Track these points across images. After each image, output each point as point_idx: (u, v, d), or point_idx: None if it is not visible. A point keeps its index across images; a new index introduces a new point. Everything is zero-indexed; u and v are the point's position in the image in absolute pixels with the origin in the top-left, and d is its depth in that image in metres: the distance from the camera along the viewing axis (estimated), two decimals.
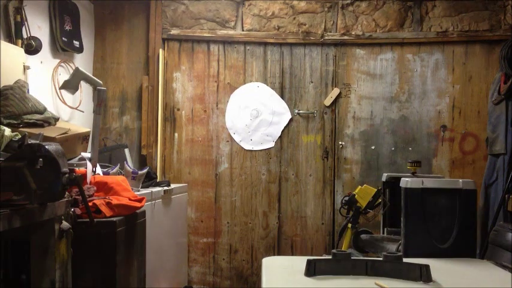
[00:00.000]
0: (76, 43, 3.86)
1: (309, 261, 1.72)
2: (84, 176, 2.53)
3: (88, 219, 2.12)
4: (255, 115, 4.38)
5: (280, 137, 4.37)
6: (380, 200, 3.35)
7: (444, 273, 1.80)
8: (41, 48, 3.36)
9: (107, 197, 2.47)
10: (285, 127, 4.37)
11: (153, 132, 4.30)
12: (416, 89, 4.31)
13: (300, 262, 1.78)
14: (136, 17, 4.37)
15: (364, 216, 3.44)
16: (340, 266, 1.75)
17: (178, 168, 4.38)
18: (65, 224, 1.98)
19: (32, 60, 3.28)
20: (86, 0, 4.18)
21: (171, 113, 4.39)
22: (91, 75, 3.16)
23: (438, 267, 1.83)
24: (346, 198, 3.45)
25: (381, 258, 1.77)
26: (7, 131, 2.36)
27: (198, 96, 4.40)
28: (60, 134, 2.80)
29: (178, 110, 4.40)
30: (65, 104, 3.72)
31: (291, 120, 4.37)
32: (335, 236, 4.25)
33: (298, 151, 4.37)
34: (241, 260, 4.38)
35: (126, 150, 4.07)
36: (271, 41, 4.36)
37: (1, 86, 2.79)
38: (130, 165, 3.54)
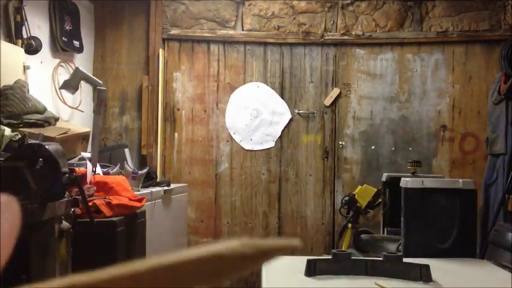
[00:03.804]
0: (76, 43, 3.86)
1: (309, 261, 1.72)
2: (84, 176, 2.53)
3: (88, 219, 2.12)
4: (255, 115, 4.38)
5: (280, 136, 4.37)
6: (380, 200, 3.35)
7: (444, 273, 1.80)
8: (41, 48, 3.36)
9: (107, 197, 2.47)
10: (285, 127, 4.37)
11: (153, 132, 4.30)
12: (416, 89, 4.31)
13: (300, 262, 1.78)
14: (137, 17, 4.37)
15: (364, 216, 3.44)
16: (340, 266, 1.75)
17: (178, 168, 4.38)
18: (65, 224, 1.98)
19: (32, 60, 3.28)
20: (86, 0, 4.18)
21: (171, 113, 4.39)
22: (91, 75, 3.16)
23: (438, 267, 1.82)
24: (346, 198, 3.45)
25: (381, 258, 1.77)
26: (7, 131, 2.36)
27: (198, 96, 4.40)
28: (60, 134, 2.80)
29: (178, 110, 4.40)
30: (65, 104, 3.72)
31: (291, 120, 4.37)
32: (335, 236, 4.25)
33: (298, 151, 4.37)
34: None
35: (126, 150, 4.07)
36: (271, 41, 4.36)
37: (1, 86, 2.79)
38: (130, 165, 3.54)
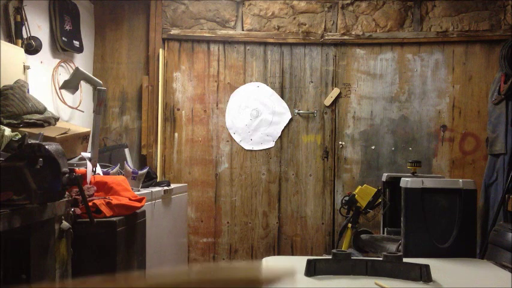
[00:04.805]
0: (76, 43, 3.86)
1: (309, 261, 1.72)
2: (84, 176, 2.53)
3: (88, 219, 2.12)
4: (255, 115, 4.38)
5: (280, 137, 4.37)
6: (380, 200, 3.35)
7: (444, 273, 1.80)
8: (41, 48, 3.36)
9: (107, 197, 2.47)
10: (285, 127, 4.37)
11: (153, 132, 4.30)
12: (416, 89, 4.31)
13: (300, 262, 1.78)
14: (137, 17, 4.38)
15: (364, 216, 3.44)
16: (340, 266, 1.75)
17: (178, 168, 4.38)
18: (65, 224, 1.98)
19: (32, 60, 3.28)
20: (86, 0, 4.18)
21: (171, 113, 4.39)
22: (91, 75, 3.15)
23: (438, 267, 1.83)
24: (346, 198, 3.45)
25: (381, 258, 1.77)
26: (7, 131, 2.36)
27: (198, 96, 4.40)
28: (60, 134, 2.80)
29: (178, 110, 4.40)
30: (65, 104, 3.72)
31: (291, 120, 4.37)
32: (335, 236, 4.25)
33: (298, 151, 4.37)
34: (241, 260, 4.38)
35: (126, 150, 4.07)
36: (271, 41, 4.36)
37: (1, 86, 2.79)
38: (130, 165, 3.54)
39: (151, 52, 4.32)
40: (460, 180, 2.43)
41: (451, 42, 4.26)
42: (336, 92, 4.34)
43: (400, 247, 2.54)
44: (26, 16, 3.22)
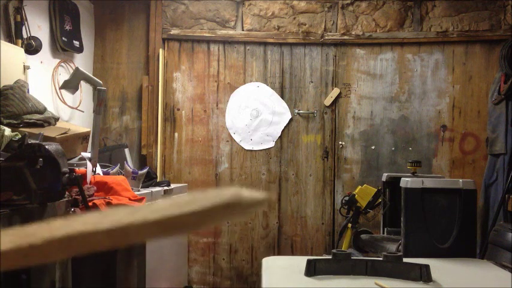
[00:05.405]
0: (76, 43, 3.86)
1: (309, 261, 1.72)
2: (84, 176, 2.53)
3: None
4: (255, 115, 4.38)
5: (280, 137, 4.37)
6: (380, 200, 3.35)
7: (444, 273, 1.80)
8: (41, 48, 3.36)
9: (107, 197, 2.47)
10: (285, 127, 4.37)
11: (153, 132, 4.30)
12: (416, 89, 4.31)
13: (300, 262, 1.78)
14: (137, 17, 4.37)
15: (364, 216, 3.44)
16: (340, 266, 1.75)
17: (178, 168, 4.38)
18: None
19: (32, 60, 3.28)
20: (86, 0, 4.18)
21: (171, 113, 4.39)
22: (91, 75, 3.16)
23: (438, 267, 1.83)
24: (346, 198, 3.45)
25: (381, 258, 1.77)
26: (7, 131, 2.36)
27: (198, 96, 4.40)
28: (60, 134, 2.80)
29: (178, 110, 4.40)
30: (65, 104, 3.72)
31: (291, 120, 4.37)
32: (335, 236, 4.25)
33: (298, 151, 4.37)
34: (241, 260, 4.38)
35: (126, 150, 4.07)
36: (271, 41, 4.36)
37: (1, 86, 2.79)
38: (130, 165, 3.54)
39: (151, 52, 4.32)
40: (460, 180, 2.43)
41: (451, 42, 4.26)
42: (336, 92, 4.34)
43: (400, 247, 2.54)
44: (26, 16, 3.21)
